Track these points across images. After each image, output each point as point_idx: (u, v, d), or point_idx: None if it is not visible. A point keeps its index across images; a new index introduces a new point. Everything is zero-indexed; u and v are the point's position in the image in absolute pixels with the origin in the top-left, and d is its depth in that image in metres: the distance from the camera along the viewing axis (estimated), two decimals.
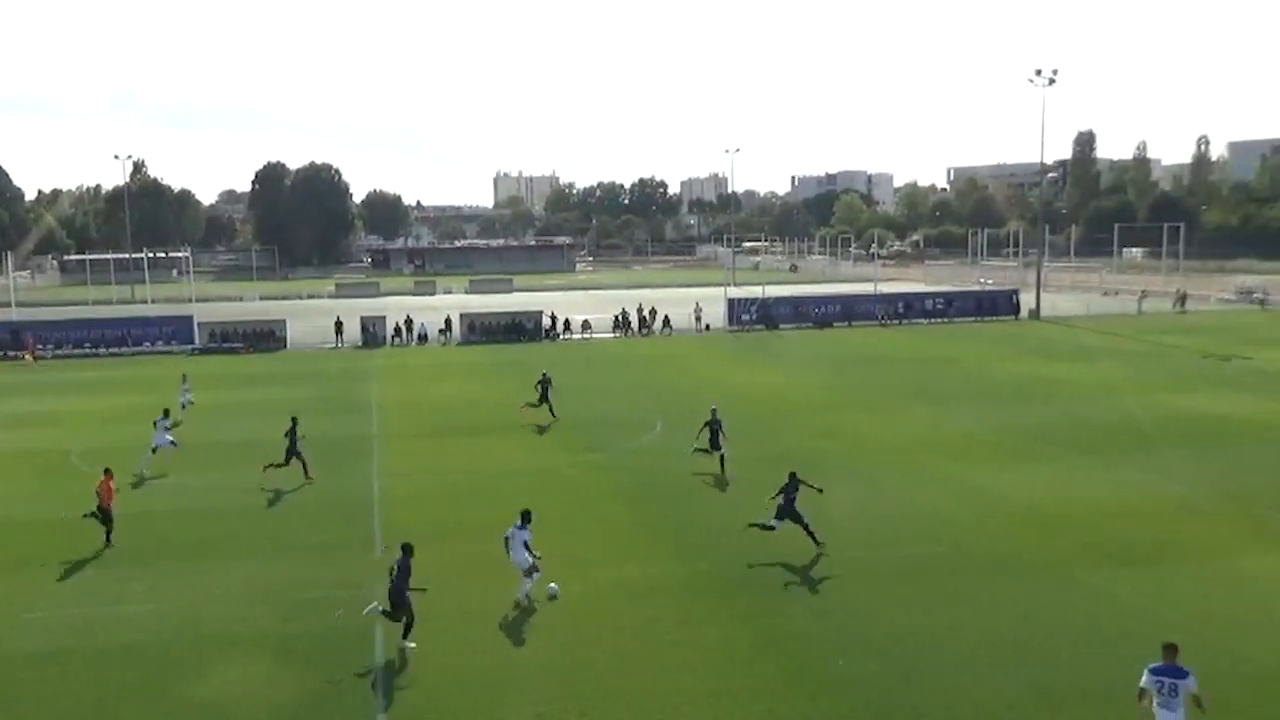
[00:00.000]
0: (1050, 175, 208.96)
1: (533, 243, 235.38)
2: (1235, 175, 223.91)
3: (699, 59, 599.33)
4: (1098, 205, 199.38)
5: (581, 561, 23.96)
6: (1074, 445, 35.33)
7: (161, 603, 21.98)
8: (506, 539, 21.70)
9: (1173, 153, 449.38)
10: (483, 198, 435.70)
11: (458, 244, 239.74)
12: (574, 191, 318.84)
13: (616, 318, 78.87)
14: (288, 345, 72.41)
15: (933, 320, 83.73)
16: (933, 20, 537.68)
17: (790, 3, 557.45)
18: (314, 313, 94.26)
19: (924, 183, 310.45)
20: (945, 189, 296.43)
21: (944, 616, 20.24)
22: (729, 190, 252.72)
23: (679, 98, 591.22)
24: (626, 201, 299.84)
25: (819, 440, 36.83)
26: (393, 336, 74.41)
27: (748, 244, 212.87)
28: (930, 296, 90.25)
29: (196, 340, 71.98)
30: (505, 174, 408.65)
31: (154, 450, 33.81)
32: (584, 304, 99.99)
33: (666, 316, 78.90)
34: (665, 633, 19.83)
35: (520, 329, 75.67)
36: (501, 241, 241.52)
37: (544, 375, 42.53)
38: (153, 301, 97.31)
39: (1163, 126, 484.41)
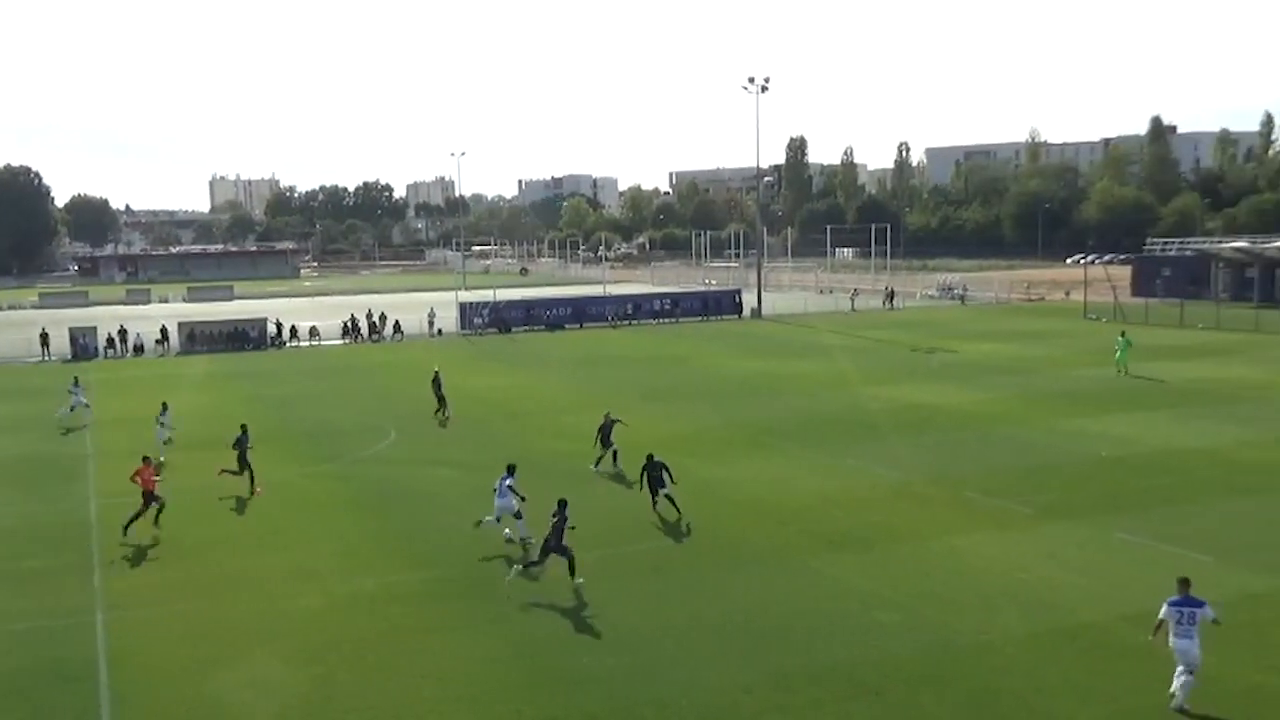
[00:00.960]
0: (766, 179, 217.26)
1: (254, 248, 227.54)
2: (933, 179, 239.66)
3: (421, 60, 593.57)
4: (811, 208, 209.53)
5: (317, 574, 23.39)
6: (798, 437, 36.91)
7: None
8: (495, 489, 24.81)
9: (876, 158, 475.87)
10: (198, 202, 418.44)
11: (173, 250, 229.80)
12: (296, 195, 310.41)
13: (345, 324, 77.15)
14: None
15: (661, 320, 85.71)
16: (650, 26, 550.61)
17: (510, 6, 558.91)
18: (15, 325, 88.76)
19: (647, 186, 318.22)
20: (668, 192, 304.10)
21: (682, 609, 20.78)
22: (456, 194, 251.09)
23: (402, 99, 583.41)
24: (351, 204, 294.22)
25: (555, 441, 37.11)
26: (105, 348, 70.35)
27: (477, 248, 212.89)
28: (658, 297, 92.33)
29: None
30: (222, 177, 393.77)
31: (166, 442, 36.45)
32: (311, 310, 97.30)
33: (397, 322, 77.87)
34: (407, 642, 19.56)
35: (244, 337, 72.92)
36: (220, 247, 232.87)
37: (436, 373, 43.64)
38: None
39: (867, 133, 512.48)
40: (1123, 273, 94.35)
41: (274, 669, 18.50)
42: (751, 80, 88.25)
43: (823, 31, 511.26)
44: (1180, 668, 15.89)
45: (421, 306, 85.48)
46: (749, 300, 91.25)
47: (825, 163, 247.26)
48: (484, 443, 37.16)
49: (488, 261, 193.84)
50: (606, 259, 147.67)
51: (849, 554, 23.99)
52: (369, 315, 78.40)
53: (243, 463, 30.59)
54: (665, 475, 26.90)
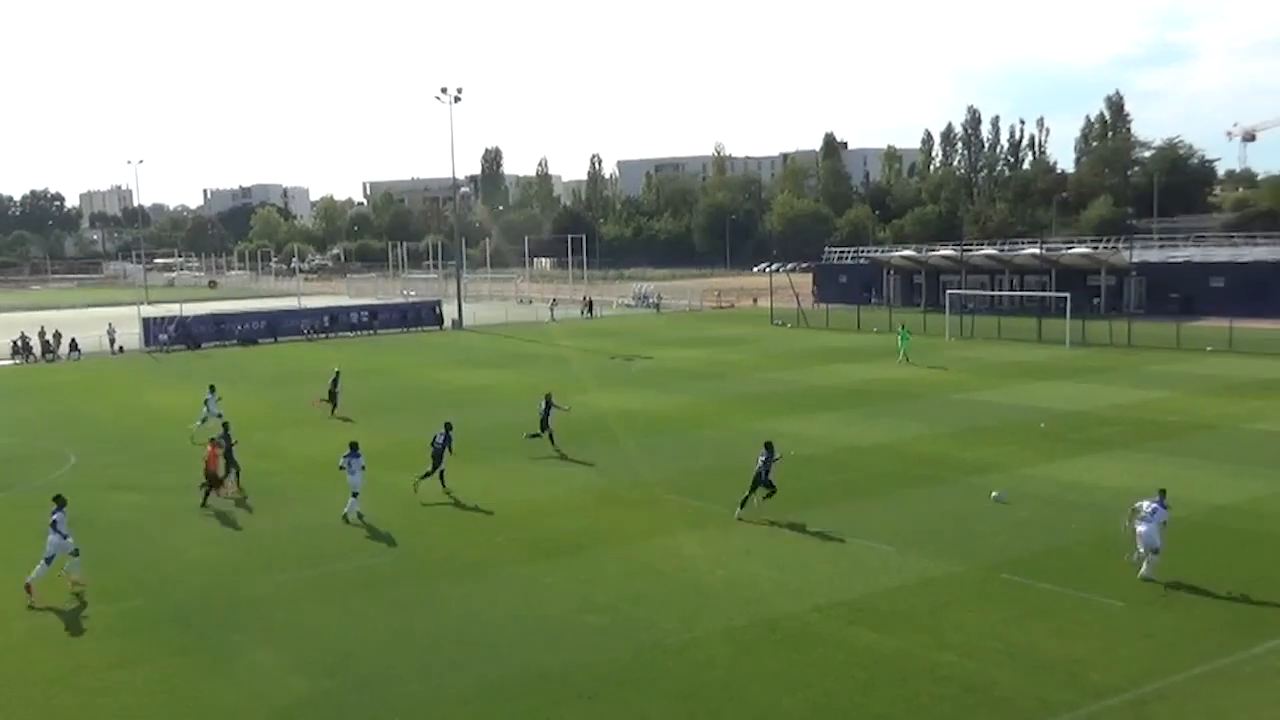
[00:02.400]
0: (463, 190, 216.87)
1: None
2: (625, 191, 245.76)
3: (93, 59, 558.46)
4: (508, 218, 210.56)
5: None
6: (503, 447, 37.05)
7: None
8: (341, 466, 27.78)
9: (570, 170, 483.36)
10: None
11: None
12: None
13: (15, 343, 71.87)
14: None
15: (359, 333, 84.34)
16: (340, 33, 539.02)
17: (188, 7, 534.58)
18: None
19: (341, 197, 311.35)
20: (363, 203, 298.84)
21: (393, 624, 20.55)
22: (135, 203, 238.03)
23: (72, 101, 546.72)
24: (18, 215, 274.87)
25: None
26: None
27: (160, 260, 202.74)
28: (355, 309, 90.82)
29: None
30: None
31: (203, 421, 38.50)
32: None
33: (74, 339, 73.06)
34: (97, 679, 18.46)
35: None
36: None
37: (335, 372, 46.12)
38: None
39: (560, 145, 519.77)
40: (805, 280, 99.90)
41: None
42: (444, 90, 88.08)
43: (515, 44, 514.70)
44: (1141, 547, 21.42)
45: (100, 322, 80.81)
46: (449, 311, 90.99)
47: (521, 174, 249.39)
48: (173, 465, 35.44)
49: (173, 274, 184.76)
50: (301, 271, 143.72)
51: (558, 559, 24.34)
52: (41, 333, 73.33)
53: (229, 460, 30.98)
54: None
